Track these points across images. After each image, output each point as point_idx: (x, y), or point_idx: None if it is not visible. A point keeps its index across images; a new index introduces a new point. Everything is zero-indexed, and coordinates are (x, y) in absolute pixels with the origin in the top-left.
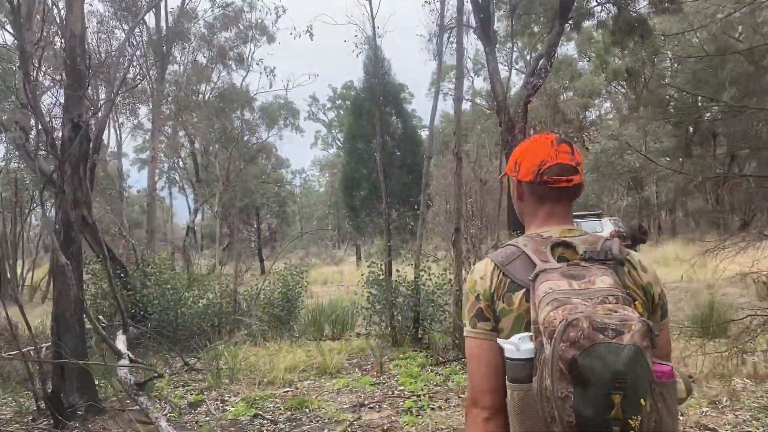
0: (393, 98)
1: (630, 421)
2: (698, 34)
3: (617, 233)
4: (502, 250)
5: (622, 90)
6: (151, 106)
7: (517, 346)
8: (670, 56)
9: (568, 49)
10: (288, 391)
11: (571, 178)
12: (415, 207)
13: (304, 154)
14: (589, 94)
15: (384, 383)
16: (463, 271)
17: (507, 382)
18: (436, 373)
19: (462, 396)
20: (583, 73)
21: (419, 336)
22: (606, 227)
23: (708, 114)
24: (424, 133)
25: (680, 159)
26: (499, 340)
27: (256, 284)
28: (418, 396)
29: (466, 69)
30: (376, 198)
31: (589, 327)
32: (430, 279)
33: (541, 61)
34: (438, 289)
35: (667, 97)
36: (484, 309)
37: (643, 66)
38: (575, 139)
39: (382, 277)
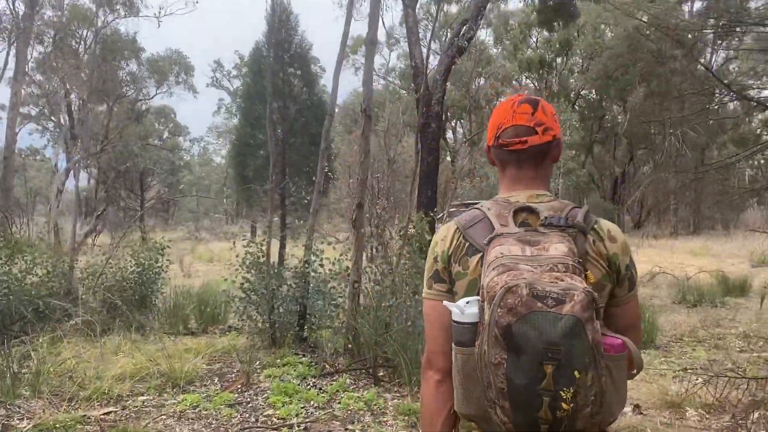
0: (299, 58)
1: (561, 392)
2: (612, 31)
3: None
4: (466, 212)
5: (534, 81)
6: (15, 43)
7: (462, 309)
8: (580, 51)
9: (483, 35)
10: (110, 412)
11: (526, 140)
12: (313, 178)
13: (208, 123)
14: (502, 81)
15: (248, 402)
16: (365, 257)
17: (453, 345)
18: (320, 390)
19: (349, 428)
20: (497, 60)
21: (304, 336)
22: None
23: (609, 114)
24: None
25: (582, 156)
26: (445, 303)
27: (103, 261)
28: (290, 427)
29: (380, 44)
30: (273, 166)
31: (528, 294)
32: (322, 265)
33: (465, 26)
34: (332, 279)
35: (573, 93)
36: (441, 271)
37: (555, 58)
38: (486, 124)
39: (262, 259)
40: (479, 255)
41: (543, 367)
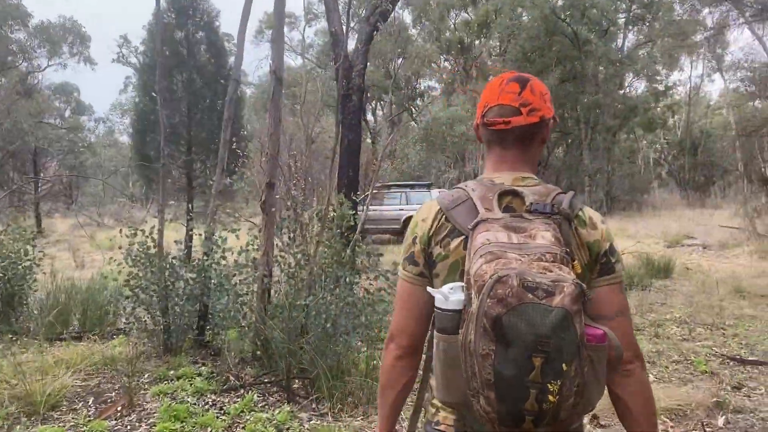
0: (206, 26)
1: (549, 385)
2: (529, 13)
3: None
4: (450, 192)
5: (453, 63)
6: None
7: (446, 296)
8: (498, 33)
9: (402, 15)
10: None
11: (509, 120)
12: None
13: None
14: (421, 62)
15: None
16: (277, 244)
17: (434, 332)
18: (221, 410)
19: None
20: (417, 40)
21: (206, 340)
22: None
23: None
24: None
25: None
26: (429, 289)
27: None
28: None
29: (296, 17)
30: (177, 145)
31: (519, 285)
32: (224, 257)
33: None
34: (238, 272)
35: (491, 76)
36: (416, 253)
37: (474, 40)
38: (406, 106)
39: (153, 251)
40: (462, 237)
41: (532, 360)
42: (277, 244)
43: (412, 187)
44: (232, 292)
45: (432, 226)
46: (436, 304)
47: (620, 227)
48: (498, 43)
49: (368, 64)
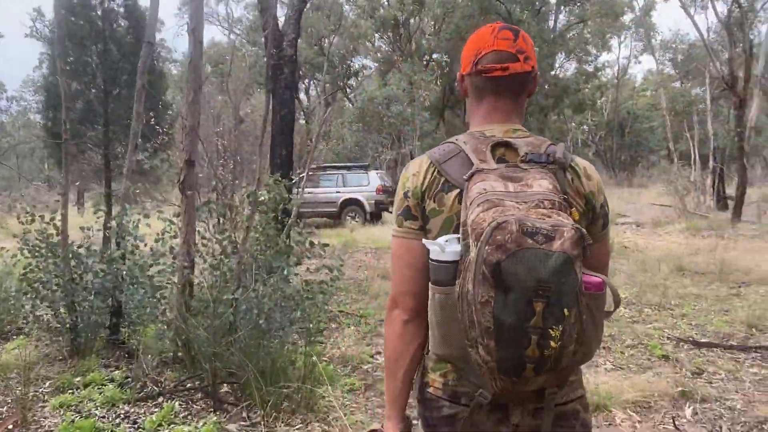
0: None
1: (551, 330)
2: None
3: (383, 188)
4: (440, 146)
5: (388, 41)
6: None
7: (443, 247)
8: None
9: None
10: None
11: (507, 66)
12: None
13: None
14: (356, 38)
15: None
16: (199, 229)
17: (430, 285)
18: (134, 424)
19: None
20: (350, 17)
21: (121, 339)
22: (372, 181)
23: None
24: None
25: (436, 120)
26: (424, 241)
27: None
28: None
29: None
30: (92, 123)
31: (518, 231)
32: (136, 246)
33: None
34: (155, 263)
35: (426, 56)
36: (412, 207)
37: (410, 17)
38: (340, 85)
39: (55, 239)
40: (456, 191)
41: (533, 305)
42: (200, 230)
43: (348, 168)
44: (148, 285)
45: (424, 180)
46: (432, 256)
47: None
48: (433, 22)
49: (300, 40)
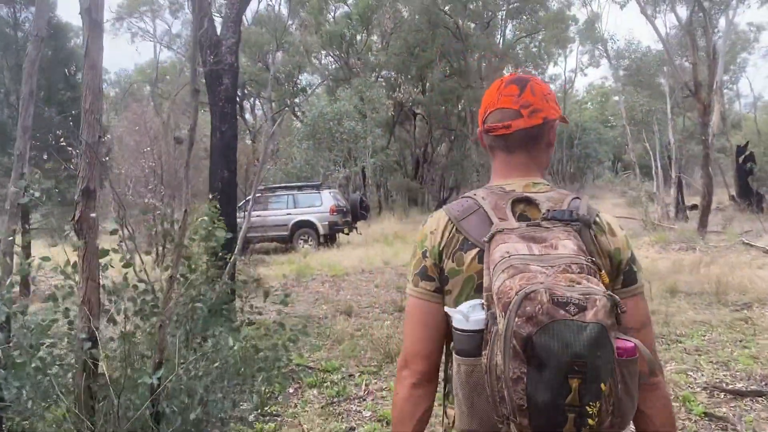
0: None
1: (588, 407)
2: (408, 5)
3: (337, 208)
4: (458, 202)
5: (336, 55)
6: None
7: (467, 315)
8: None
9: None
10: None
11: (510, 124)
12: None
13: None
14: (303, 54)
15: None
16: (104, 283)
17: (454, 354)
18: None
19: None
20: (295, 34)
21: None
22: (326, 201)
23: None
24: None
25: (386, 136)
26: (447, 309)
27: None
28: None
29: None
30: (2, 146)
31: (549, 301)
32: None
33: None
34: (43, 333)
35: (374, 73)
36: (429, 268)
37: (355, 35)
38: (288, 103)
39: None
40: (476, 250)
41: (568, 382)
42: (105, 284)
43: (300, 188)
44: (30, 368)
45: (442, 238)
46: (455, 324)
47: None
48: (380, 39)
49: (243, 56)
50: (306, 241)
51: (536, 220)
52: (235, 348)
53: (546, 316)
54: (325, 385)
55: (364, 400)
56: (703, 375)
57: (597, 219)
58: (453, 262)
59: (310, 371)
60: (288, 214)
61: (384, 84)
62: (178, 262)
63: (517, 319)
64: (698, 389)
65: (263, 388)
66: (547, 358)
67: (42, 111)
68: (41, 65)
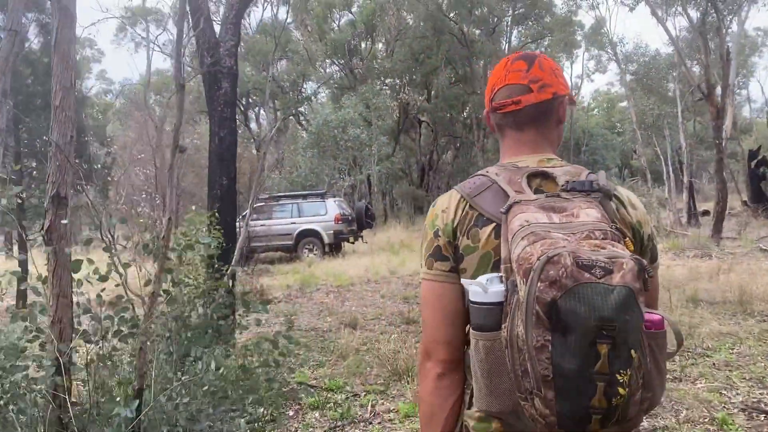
0: (31, 3)
1: (618, 375)
2: (413, 12)
3: (342, 217)
4: (470, 180)
5: (340, 63)
6: None
7: (485, 287)
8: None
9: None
10: None
11: (519, 99)
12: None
13: None
14: (307, 62)
15: None
16: (78, 300)
17: (471, 331)
18: None
19: None
20: (299, 42)
21: None
22: (330, 209)
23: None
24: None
25: (392, 144)
26: (463, 281)
27: None
28: None
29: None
30: None
31: (573, 264)
32: None
33: None
34: (14, 355)
35: (379, 80)
36: (443, 247)
37: (360, 42)
38: (293, 111)
39: None
40: (492, 225)
41: (596, 348)
42: (79, 302)
43: (304, 197)
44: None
45: (455, 215)
46: (472, 297)
47: None
48: (385, 47)
49: (247, 66)
50: (311, 251)
51: (555, 192)
52: (221, 371)
53: (571, 279)
54: (328, 406)
55: (371, 423)
56: (738, 394)
57: (616, 193)
58: (468, 239)
59: (312, 390)
60: (292, 223)
61: (389, 91)
62: (160, 276)
63: (539, 283)
64: (735, 410)
65: (258, 411)
66: (574, 323)
67: (38, 118)
68: (40, 71)
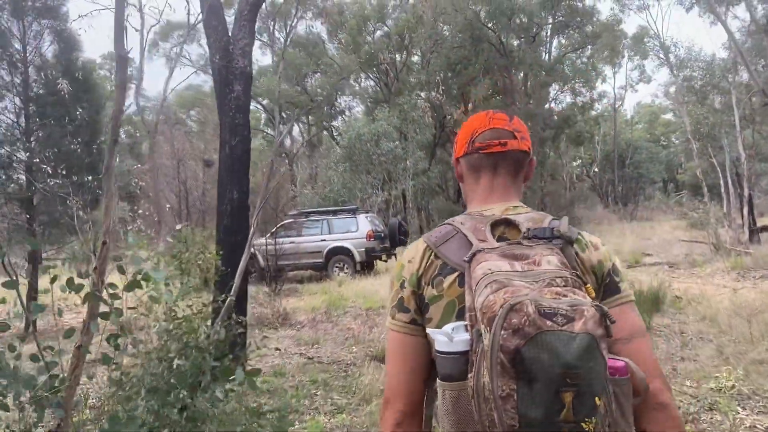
0: (47, 9)
1: (584, 423)
2: (450, 22)
3: (374, 233)
4: (437, 229)
5: (375, 77)
6: None
7: (450, 336)
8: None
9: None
10: None
11: (506, 141)
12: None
13: None
14: (340, 74)
15: None
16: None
17: (438, 381)
18: None
19: None
20: (334, 55)
21: None
22: (362, 226)
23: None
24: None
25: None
26: (429, 330)
27: None
28: None
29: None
30: (6, 169)
31: (535, 312)
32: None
33: None
34: None
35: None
36: (406, 298)
37: (395, 54)
38: (325, 125)
39: None
40: (456, 273)
41: (560, 396)
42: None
43: (335, 213)
44: None
45: (420, 265)
46: (438, 347)
47: None
48: (420, 60)
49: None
50: (341, 269)
51: (516, 240)
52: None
53: (533, 327)
54: None
55: None
56: None
57: (579, 236)
58: (433, 288)
59: None
60: (323, 240)
61: (426, 103)
62: (89, 325)
63: (503, 332)
64: None
65: None
66: (538, 371)
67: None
68: (60, 96)
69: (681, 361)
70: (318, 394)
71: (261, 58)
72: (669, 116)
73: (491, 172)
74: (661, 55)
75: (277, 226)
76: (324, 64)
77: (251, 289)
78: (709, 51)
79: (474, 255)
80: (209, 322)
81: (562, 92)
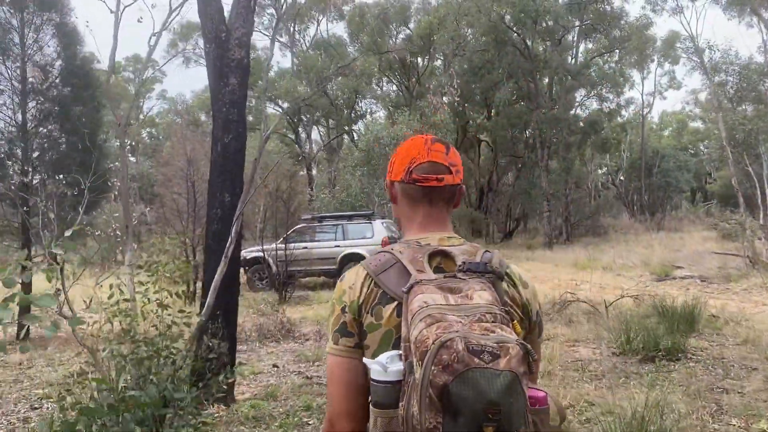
0: (49, 3)
1: None
2: (474, 24)
3: (390, 239)
4: (375, 256)
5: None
6: None
7: (385, 366)
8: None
9: (337, 29)
10: None
11: (442, 177)
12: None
13: None
14: (360, 76)
15: None
16: None
17: (371, 407)
18: None
19: None
20: (355, 57)
21: None
22: (377, 231)
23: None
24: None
25: None
26: (364, 360)
27: None
28: None
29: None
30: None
31: (464, 349)
32: None
33: None
34: None
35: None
36: (349, 323)
37: (416, 58)
38: (345, 129)
39: None
40: (395, 303)
41: (483, 430)
42: None
43: (350, 218)
44: None
45: (361, 293)
46: (373, 375)
47: (591, 257)
48: (442, 64)
49: (305, 85)
50: None
51: (452, 272)
52: None
53: (461, 364)
54: None
55: None
56: None
57: (508, 271)
58: (372, 316)
59: None
60: (336, 246)
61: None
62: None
63: (433, 367)
64: None
65: None
66: (463, 407)
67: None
68: (65, 103)
69: (725, 393)
70: (310, 423)
71: (281, 60)
72: (698, 124)
73: (427, 203)
74: (695, 58)
75: (290, 231)
76: (343, 67)
77: (261, 296)
78: (745, 55)
79: (412, 286)
80: (178, 344)
81: (588, 98)
